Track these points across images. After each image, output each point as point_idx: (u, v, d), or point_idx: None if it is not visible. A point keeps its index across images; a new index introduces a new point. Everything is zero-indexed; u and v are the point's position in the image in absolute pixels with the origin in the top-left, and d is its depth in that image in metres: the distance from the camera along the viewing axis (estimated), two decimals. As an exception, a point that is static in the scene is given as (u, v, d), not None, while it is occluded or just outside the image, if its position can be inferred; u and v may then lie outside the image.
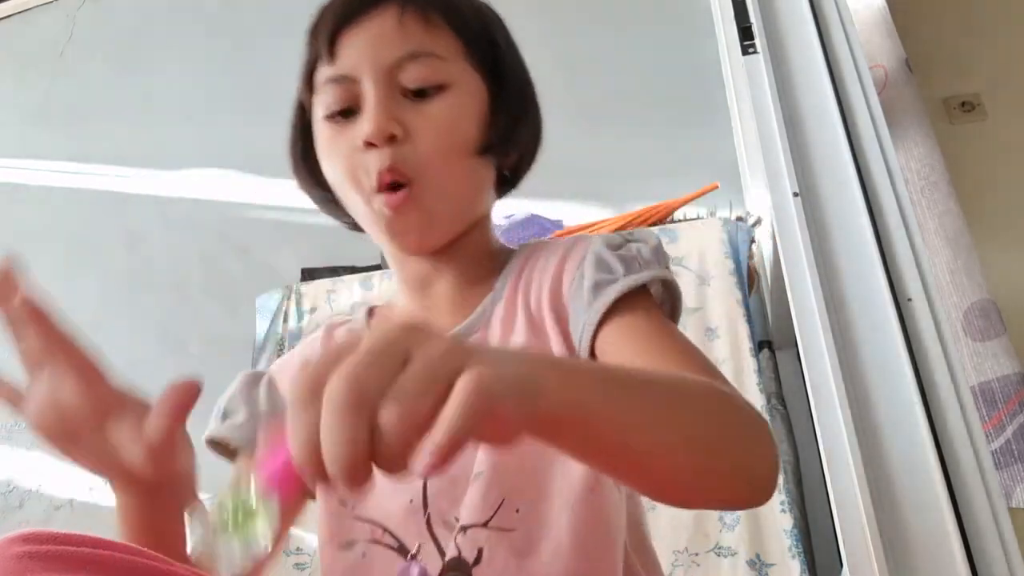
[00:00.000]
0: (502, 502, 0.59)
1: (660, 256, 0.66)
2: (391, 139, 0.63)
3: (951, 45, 2.22)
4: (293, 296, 1.63)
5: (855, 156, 1.11)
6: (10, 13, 2.47)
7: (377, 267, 1.59)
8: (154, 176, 2.09)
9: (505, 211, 1.63)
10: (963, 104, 2.22)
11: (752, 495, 0.51)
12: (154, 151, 2.11)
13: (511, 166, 0.73)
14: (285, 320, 1.60)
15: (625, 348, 0.59)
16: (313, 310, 1.59)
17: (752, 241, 1.44)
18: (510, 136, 0.70)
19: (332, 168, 0.67)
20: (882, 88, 1.62)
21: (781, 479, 1.18)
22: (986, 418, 1.25)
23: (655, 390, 0.46)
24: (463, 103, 0.66)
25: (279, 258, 1.82)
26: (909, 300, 0.99)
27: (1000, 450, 1.23)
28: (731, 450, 0.48)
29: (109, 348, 2.09)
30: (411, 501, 0.62)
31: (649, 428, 0.43)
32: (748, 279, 1.39)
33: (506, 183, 0.75)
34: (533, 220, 1.57)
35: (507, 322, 0.68)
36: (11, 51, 2.44)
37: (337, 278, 1.61)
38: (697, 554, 1.18)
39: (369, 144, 0.63)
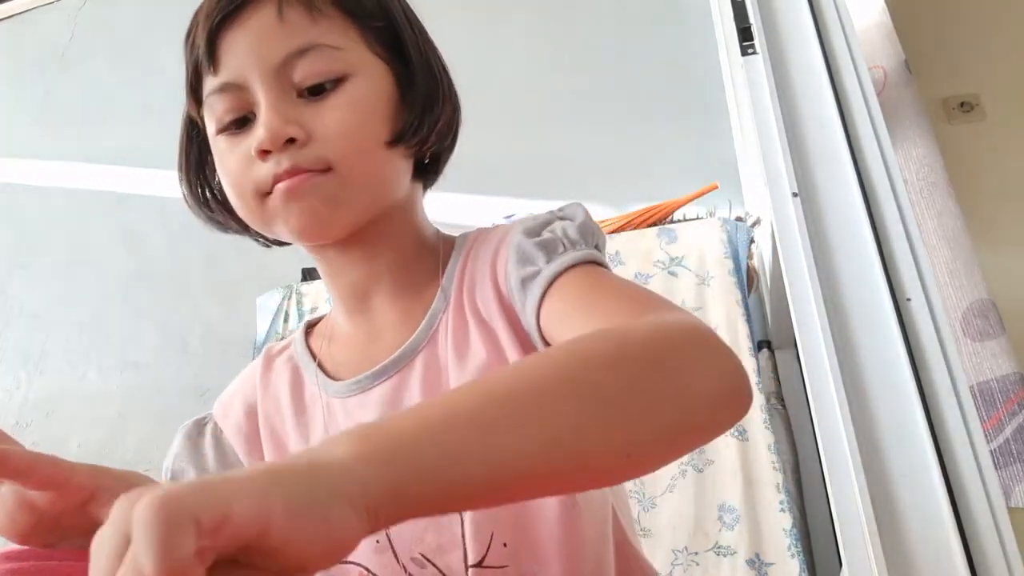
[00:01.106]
0: (492, 537, 0.56)
1: (587, 233, 0.60)
2: (290, 143, 0.57)
3: (950, 46, 2.23)
4: (293, 296, 1.63)
5: (854, 156, 1.11)
6: (11, 14, 2.47)
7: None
8: (154, 176, 2.09)
9: (505, 211, 1.64)
10: (962, 104, 2.22)
11: (720, 413, 0.44)
12: (154, 151, 2.11)
13: (430, 153, 0.66)
14: (285, 320, 1.60)
15: (560, 329, 0.55)
16: (313, 310, 1.60)
17: (751, 241, 1.44)
18: (422, 122, 0.62)
19: (229, 183, 0.61)
20: (881, 89, 1.62)
21: (780, 478, 1.19)
22: (985, 418, 1.25)
23: (518, 394, 0.38)
24: (366, 93, 0.59)
25: (279, 258, 1.82)
26: (908, 300, 1.00)
27: (999, 450, 1.23)
28: (652, 395, 0.41)
29: (109, 348, 2.10)
30: (377, 541, 0.58)
31: (540, 437, 0.36)
32: (747, 279, 1.39)
33: (428, 171, 0.68)
34: (533, 220, 1.57)
35: (459, 333, 0.62)
36: (12, 51, 2.45)
37: (337, 278, 1.61)
38: (697, 553, 1.18)
39: (264, 152, 0.57)
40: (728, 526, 1.18)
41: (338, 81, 0.58)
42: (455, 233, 0.71)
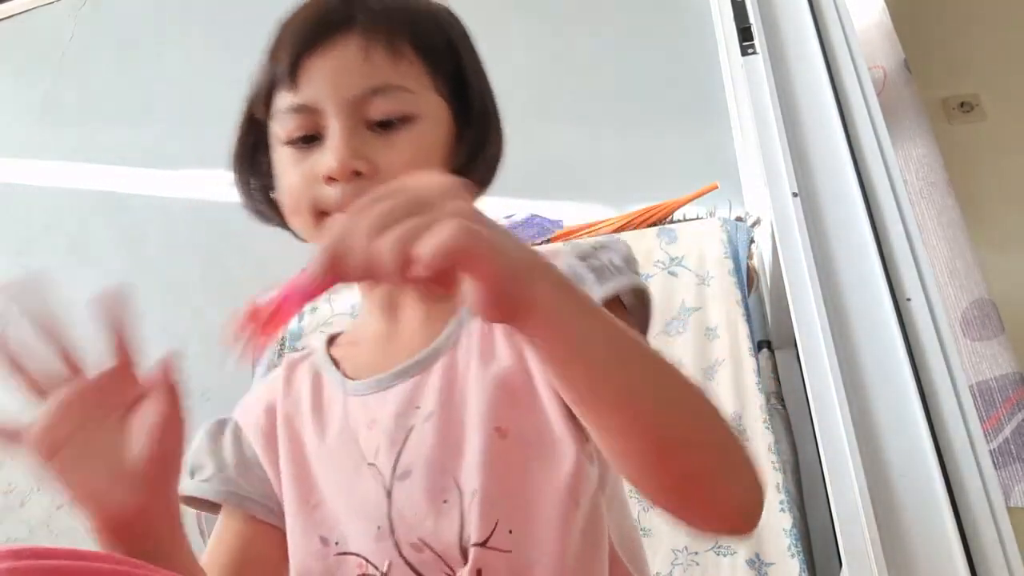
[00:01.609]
0: (497, 522, 0.59)
1: (631, 263, 0.66)
2: (355, 175, 0.61)
3: (950, 45, 2.23)
4: (293, 296, 1.63)
5: (854, 156, 1.11)
6: (12, 13, 2.47)
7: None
8: (154, 176, 2.09)
9: (505, 211, 1.64)
10: (962, 104, 2.22)
11: (736, 516, 0.52)
12: (154, 151, 2.11)
13: (476, 183, 0.71)
14: (285, 320, 1.60)
15: None
16: (314, 310, 1.60)
17: (751, 241, 1.44)
18: (475, 159, 0.68)
19: (288, 193, 0.66)
20: (881, 89, 1.62)
21: (780, 478, 1.19)
22: (984, 417, 1.25)
23: (650, 355, 0.50)
24: (430, 134, 0.65)
25: (279, 258, 1.82)
26: (908, 300, 1.00)
27: (998, 449, 1.23)
28: (715, 454, 0.50)
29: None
30: (379, 528, 0.61)
31: (632, 379, 0.47)
32: (747, 279, 1.39)
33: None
34: (533, 220, 1.57)
35: (485, 339, 0.66)
36: (12, 51, 2.45)
37: (337, 278, 1.61)
38: (697, 553, 1.18)
39: (331, 179, 0.62)
40: (728, 526, 1.18)
41: (405, 119, 0.63)
42: None
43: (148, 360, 1.95)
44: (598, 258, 0.64)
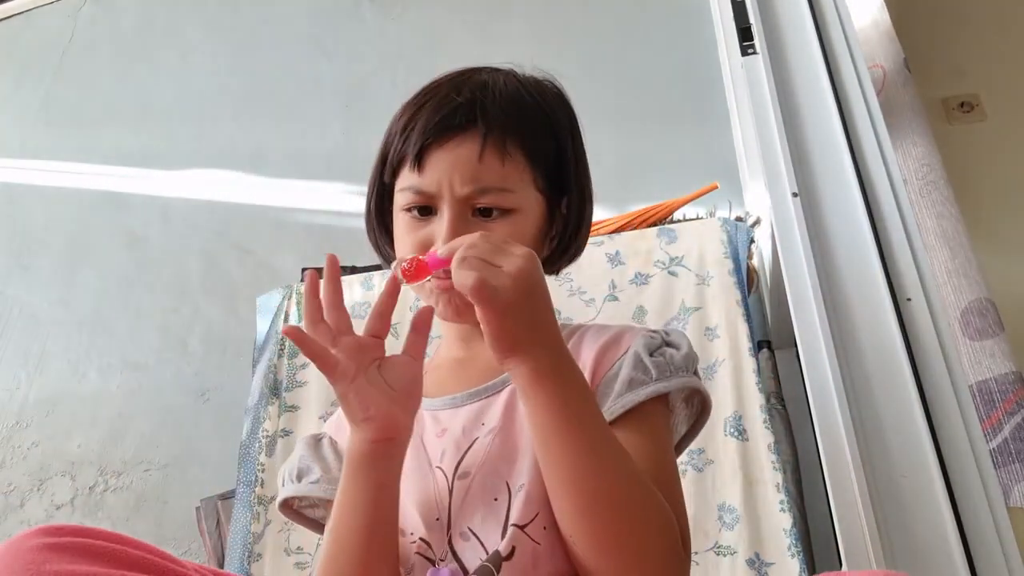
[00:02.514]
0: (537, 514, 0.67)
1: (690, 362, 0.75)
2: None
3: (950, 45, 2.23)
4: (293, 296, 1.63)
5: (854, 156, 1.11)
6: (11, 14, 2.47)
7: (377, 267, 1.59)
8: (154, 176, 2.09)
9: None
10: (962, 104, 2.22)
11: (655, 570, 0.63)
12: (154, 151, 2.11)
13: (551, 271, 0.82)
14: (285, 320, 1.60)
15: (624, 435, 0.69)
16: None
17: (751, 241, 1.44)
18: (566, 252, 0.81)
19: (400, 253, 0.77)
20: (881, 88, 1.62)
21: (780, 479, 1.19)
22: (984, 417, 1.25)
23: (606, 436, 0.64)
24: (525, 227, 0.75)
25: (279, 258, 1.82)
26: (908, 300, 1.00)
27: (997, 449, 1.23)
28: (635, 532, 0.62)
29: (109, 348, 2.08)
30: (437, 519, 0.71)
31: (589, 452, 0.62)
32: (747, 279, 1.39)
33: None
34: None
35: None
36: (12, 51, 2.45)
37: (337, 278, 1.61)
38: (696, 553, 1.18)
39: None
40: (728, 526, 1.18)
41: (505, 212, 0.74)
42: None
43: (155, 360, 1.92)
44: (662, 353, 0.74)
